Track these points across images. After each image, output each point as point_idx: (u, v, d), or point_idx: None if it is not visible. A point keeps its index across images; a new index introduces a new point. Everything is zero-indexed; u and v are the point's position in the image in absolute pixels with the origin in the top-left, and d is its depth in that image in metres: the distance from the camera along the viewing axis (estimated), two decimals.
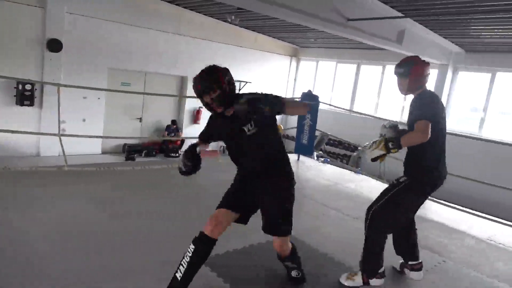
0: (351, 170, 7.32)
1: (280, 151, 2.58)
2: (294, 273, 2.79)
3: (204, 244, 2.36)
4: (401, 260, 3.13)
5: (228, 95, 2.28)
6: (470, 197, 8.68)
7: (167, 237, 3.25)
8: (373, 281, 2.81)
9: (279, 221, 2.51)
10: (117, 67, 10.00)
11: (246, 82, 12.51)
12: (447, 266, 3.38)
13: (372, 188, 5.87)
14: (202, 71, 2.29)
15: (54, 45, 8.67)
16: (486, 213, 5.40)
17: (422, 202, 2.89)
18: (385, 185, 5.98)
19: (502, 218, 5.24)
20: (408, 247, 3.05)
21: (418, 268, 3.06)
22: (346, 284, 2.85)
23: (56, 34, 8.69)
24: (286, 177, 2.58)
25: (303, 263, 3.09)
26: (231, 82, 2.31)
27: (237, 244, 3.23)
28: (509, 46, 8.43)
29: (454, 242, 3.98)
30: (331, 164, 7.65)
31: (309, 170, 6.55)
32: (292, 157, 7.37)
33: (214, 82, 2.24)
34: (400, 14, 7.05)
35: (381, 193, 2.86)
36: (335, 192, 5.44)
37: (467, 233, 4.30)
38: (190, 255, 2.33)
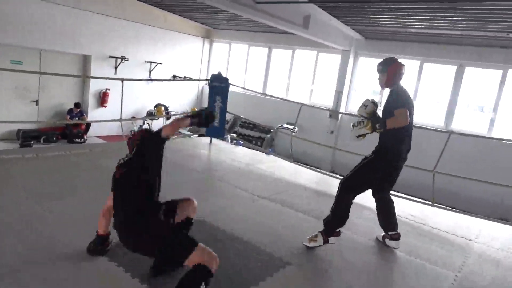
0: (262, 152, 7.52)
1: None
2: None
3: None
4: (383, 233, 3.62)
5: None
6: None
7: (54, 223, 2.99)
8: (331, 239, 3.25)
9: None
10: (4, 43, 8.81)
11: (157, 63, 12.01)
12: (345, 235, 3.66)
13: (281, 168, 6.12)
14: None
15: None
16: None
17: (384, 174, 3.38)
18: (293, 165, 6.29)
19: (401, 192, 5.83)
20: (387, 219, 3.54)
21: (396, 237, 3.52)
22: (310, 245, 3.24)
23: None
24: None
25: (212, 244, 3.10)
26: None
27: None
28: (400, 34, 9.30)
29: (354, 216, 4.28)
30: (243, 146, 7.76)
31: (222, 152, 6.56)
32: (205, 139, 7.31)
33: None
34: (305, 0, 7.30)
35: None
36: (246, 173, 5.54)
37: (362, 206, 4.67)
38: None
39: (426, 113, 9.79)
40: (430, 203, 5.04)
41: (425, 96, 9.89)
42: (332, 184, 5.62)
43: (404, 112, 3.07)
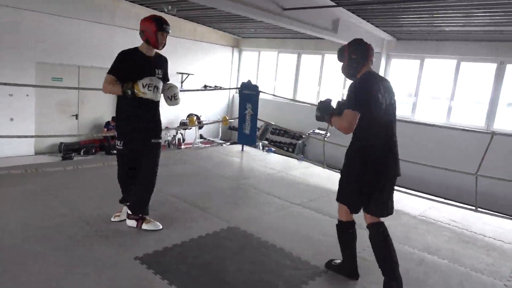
0: (295, 158, 7.46)
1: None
2: None
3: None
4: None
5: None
6: (405, 176, 9.23)
7: (91, 238, 3.08)
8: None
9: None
10: (46, 61, 9.30)
11: (189, 74, 12.26)
12: None
13: (314, 174, 6.03)
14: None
15: None
16: (418, 191, 5.76)
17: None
18: (326, 170, 6.19)
19: (431, 195, 5.63)
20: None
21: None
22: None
23: None
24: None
25: (246, 251, 3.09)
26: None
27: (176, 239, 3.15)
28: (434, 34, 9.00)
29: (389, 222, 4.17)
30: (275, 153, 7.73)
31: (253, 160, 6.56)
32: (237, 147, 7.34)
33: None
34: (333, 3, 7.23)
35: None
36: (278, 180, 5.49)
37: (402, 211, 4.54)
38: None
39: (466, 114, 9.39)
40: (473, 207, 4.79)
41: (464, 97, 9.48)
42: None
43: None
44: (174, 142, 11.81)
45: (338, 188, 2.70)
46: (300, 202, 4.48)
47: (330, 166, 6.58)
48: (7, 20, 8.42)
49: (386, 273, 2.58)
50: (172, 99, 3.27)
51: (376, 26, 9.08)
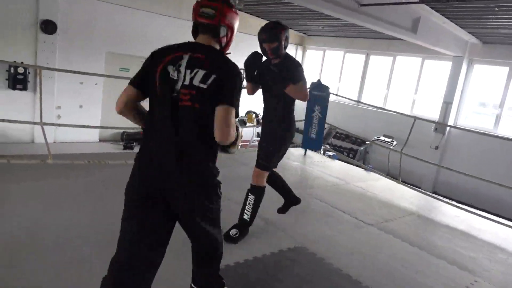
0: (360, 167, 6.90)
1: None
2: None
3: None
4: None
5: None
6: (495, 201, 8.14)
7: None
8: None
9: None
10: (115, 52, 9.51)
11: None
12: (479, 285, 2.96)
13: (385, 188, 5.46)
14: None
15: (48, 27, 8.19)
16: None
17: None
18: (398, 185, 5.57)
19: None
20: None
21: None
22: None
23: (50, 15, 8.20)
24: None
25: (317, 281, 2.69)
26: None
27: (238, 257, 2.82)
28: None
29: (486, 257, 3.55)
30: (339, 160, 7.21)
31: (317, 166, 6.11)
32: (299, 151, 6.93)
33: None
34: (415, 0, 6.55)
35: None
36: (346, 192, 5.01)
37: (496, 246, 3.88)
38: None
39: None
40: None
41: None
42: (455, 216, 4.77)
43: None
44: None
45: (268, 158, 3.06)
46: (374, 222, 3.97)
47: (394, 177, 5.93)
48: (83, 12, 8.69)
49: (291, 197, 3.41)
50: None
51: (461, 27, 8.17)
